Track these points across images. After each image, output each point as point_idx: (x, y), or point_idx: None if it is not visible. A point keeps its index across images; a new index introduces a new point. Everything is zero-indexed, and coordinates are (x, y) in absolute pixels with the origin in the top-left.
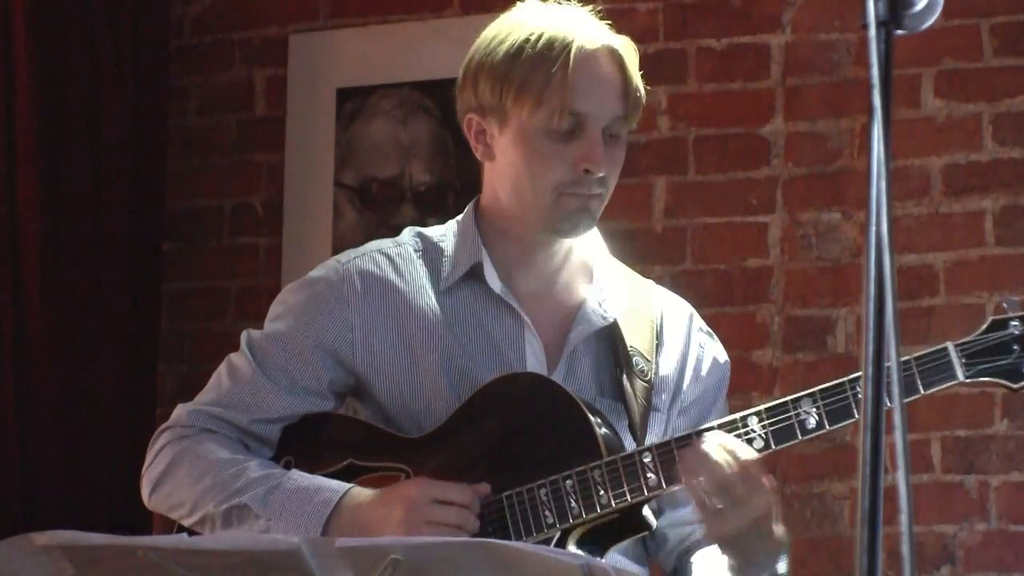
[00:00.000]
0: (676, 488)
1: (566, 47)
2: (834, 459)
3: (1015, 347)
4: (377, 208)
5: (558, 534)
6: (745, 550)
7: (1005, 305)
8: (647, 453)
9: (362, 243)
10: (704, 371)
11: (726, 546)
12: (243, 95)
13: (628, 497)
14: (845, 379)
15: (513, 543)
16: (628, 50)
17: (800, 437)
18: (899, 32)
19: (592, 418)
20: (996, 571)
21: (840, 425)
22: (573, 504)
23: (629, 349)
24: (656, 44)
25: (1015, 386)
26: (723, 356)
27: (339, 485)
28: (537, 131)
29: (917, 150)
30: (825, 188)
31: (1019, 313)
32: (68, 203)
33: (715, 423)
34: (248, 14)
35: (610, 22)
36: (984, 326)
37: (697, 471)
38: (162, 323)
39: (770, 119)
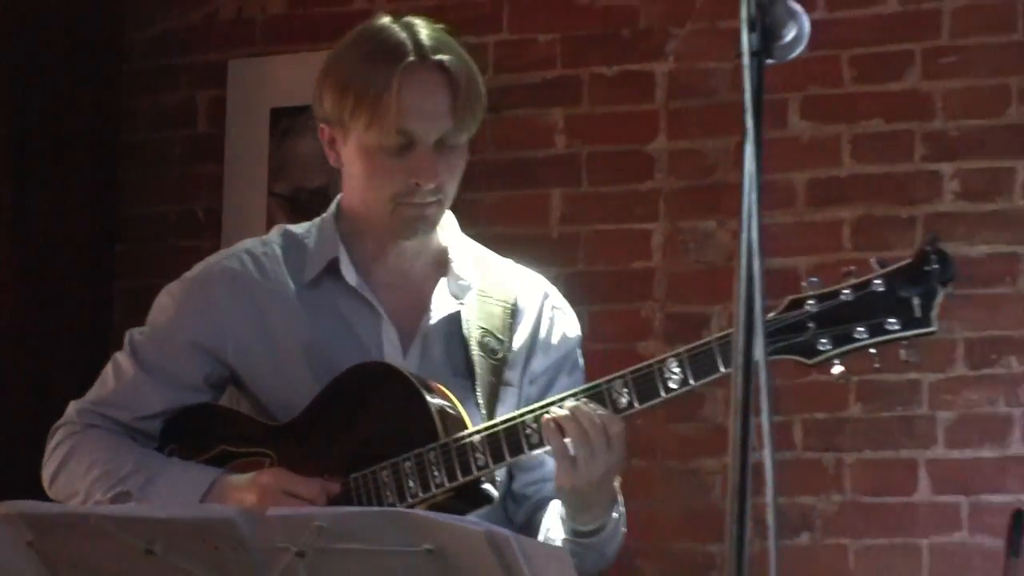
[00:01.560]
0: (503, 466)
1: (394, 68)
2: (708, 439)
3: (810, 325)
4: (306, 215)
5: None
6: (587, 499)
7: (805, 284)
8: (477, 435)
9: None
10: (554, 343)
11: (573, 494)
12: (187, 114)
13: (459, 476)
14: (710, 338)
15: (423, 512)
16: (459, 65)
17: (664, 395)
18: (769, 61)
19: (430, 400)
20: (849, 537)
21: (704, 380)
22: (411, 484)
23: (480, 330)
24: (555, 71)
25: (809, 361)
26: (574, 331)
27: (209, 473)
28: (372, 147)
29: (784, 166)
30: (702, 199)
31: (816, 292)
32: (32, 209)
33: (583, 386)
34: (192, 42)
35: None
36: (782, 306)
37: (562, 426)
38: (114, 317)
39: (654, 138)
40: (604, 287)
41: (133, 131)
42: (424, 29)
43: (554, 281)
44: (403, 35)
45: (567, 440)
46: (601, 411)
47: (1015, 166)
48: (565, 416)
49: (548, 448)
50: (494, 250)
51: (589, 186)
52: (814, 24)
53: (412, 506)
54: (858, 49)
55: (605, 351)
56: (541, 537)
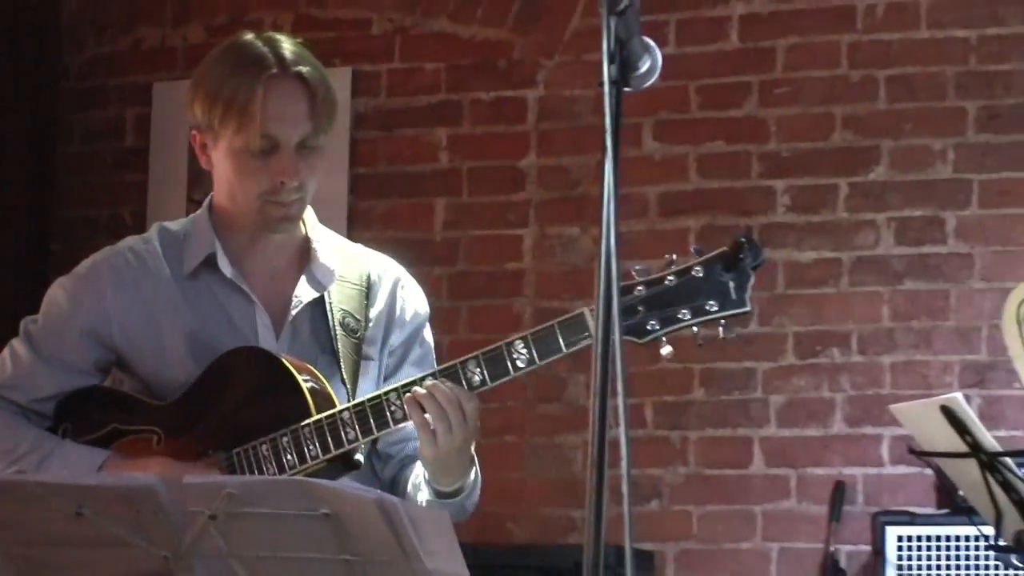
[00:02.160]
0: (371, 439)
1: (259, 79)
2: (570, 418)
3: (640, 308)
4: None
5: None
6: (447, 466)
7: (635, 272)
8: (347, 412)
9: None
10: (407, 319)
11: (435, 463)
12: (116, 129)
13: (332, 449)
14: (553, 321)
15: (322, 481)
16: (316, 75)
17: (513, 372)
18: (627, 90)
19: (301, 381)
20: (693, 504)
21: (548, 360)
22: (289, 457)
23: (341, 312)
24: (440, 95)
25: (640, 341)
26: (423, 308)
27: (100, 454)
28: (240, 150)
29: (638, 181)
30: (567, 209)
31: (644, 279)
32: None
33: (441, 367)
34: (121, 65)
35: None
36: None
37: (421, 403)
38: None
39: (526, 155)
40: (481, 285)
41: (68, 143)
42: (285, 44)
43: (437, 280)
44: (265, 49)
45: (427, 415)
46: (456, 389)
47: (838, 183)
48: (424, 394)
49: (411, 422)
50: (386, 252)
51: (469, 196)
52: (665, 58)
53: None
54: (703, 80)
55: (483, 341)
56: (408, 491)
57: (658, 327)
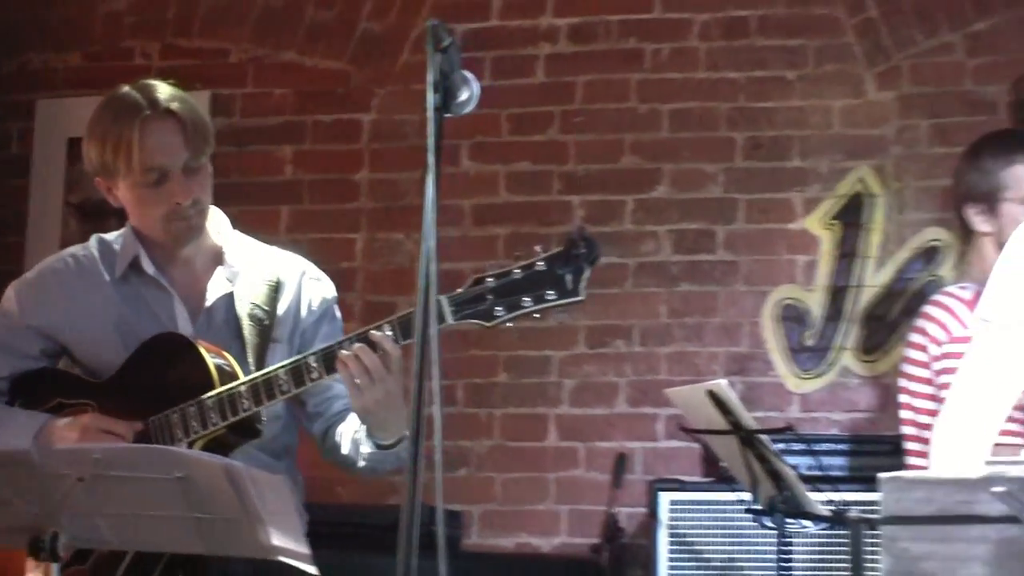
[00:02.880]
0: (263, 407)
1: (135, 122)
2: None
3: (489, 297)
4: (93, 221)
5: (186, 445)
6: (378, 419)
7: (487, 267)
8: (243, 386)
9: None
10: (315, 304)
11: (366, 415)
12: (2, 140)
13: (230, 417)
14: (411, 310)
15: (175, 448)
16: (185, 108)
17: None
18: (448, 115)
19: (209, 360)
20: (496, 472)
21: (409, 341)
22: (194, 424)
23: (250, 305)
24: (286, 117)
25: (489, 324)
26: (330, 293)
27: (42, 418)
28: (136, 184)
29: (455, 194)
30: (394, 217)
31: (494, 272)
32: None
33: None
34: (7, 85)
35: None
36: (468, 282)
37: (346, 362)
38: None
39: (360, 170)
40: None
41: None
42: (156, 86)
43: None
44: (138, 95)
45: (353, 372)
46: (380, 335)
47: (626, 199)
48: (349, 355)
49: (300, 390)
50: None
51: (309, 204)
52: (482, 89)
53: (194, 441)
54: (513, 109)
55: None
56: (349, 441)
57: (504, 312)
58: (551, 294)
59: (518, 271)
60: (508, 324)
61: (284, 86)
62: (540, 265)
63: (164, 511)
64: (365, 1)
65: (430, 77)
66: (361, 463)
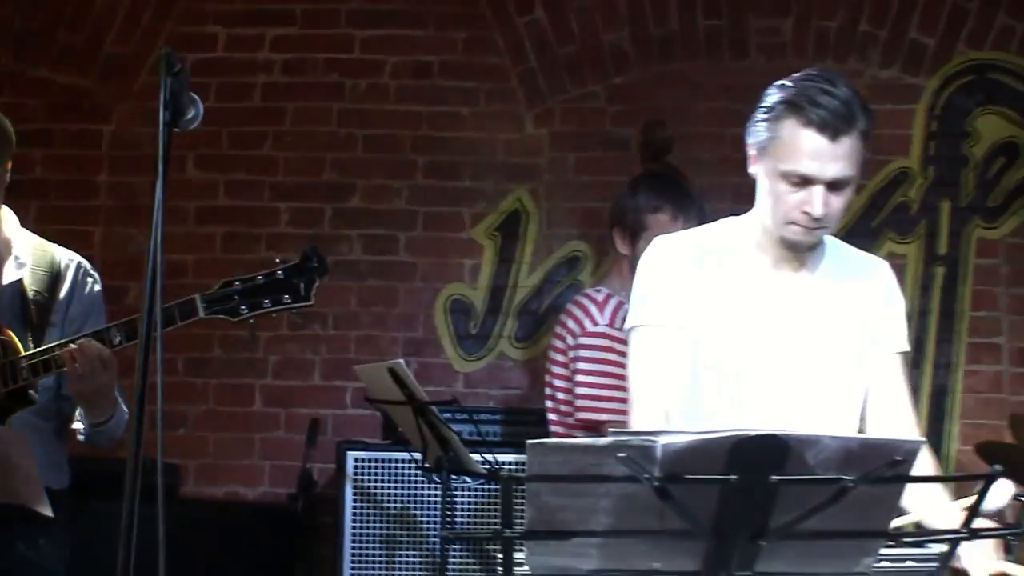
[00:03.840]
0: (39, 380)
1: None
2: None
3: (235, 297)
4: None
5: None
6: (92, 403)
7: (239, 273)
8: (23, 360)
9: None
10: (85, 295)
11: (81, 399)
12: None
13: (9, 385)
14: (172, 303)
15: None
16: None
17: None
18: (176, 130)
19: None
20: (210, 432)
21: (178, 326)
22: None
23: (33, 291)
24: (38, 124)
25: (234, 319)
26: (98, 287)
27: None
28: None
29: (181, 197)
30: (129, 215)
31: (241, 276)
32: None
33: (93, 330)
34: None
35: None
36: (219, 284)
37: (73, 354)
38: None
39: (100, 173)
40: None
41: None
42: None
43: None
44: None
45: (77, 363)
46: (98, 346)
47: (325, 207)
48: (76, 349)
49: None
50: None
51: (55, 201)
52: (206, 109)
53: None
54: (233, 127)
55: None
56: (77, 421)
57: (247, 311)
58: (287, 298)
59: (261, 277)
60: (250, 320)
61: (37, 98)
62: (279, 274)
63: None
64: (110, 28)
65: (162, 97)
66: (80, 437)
